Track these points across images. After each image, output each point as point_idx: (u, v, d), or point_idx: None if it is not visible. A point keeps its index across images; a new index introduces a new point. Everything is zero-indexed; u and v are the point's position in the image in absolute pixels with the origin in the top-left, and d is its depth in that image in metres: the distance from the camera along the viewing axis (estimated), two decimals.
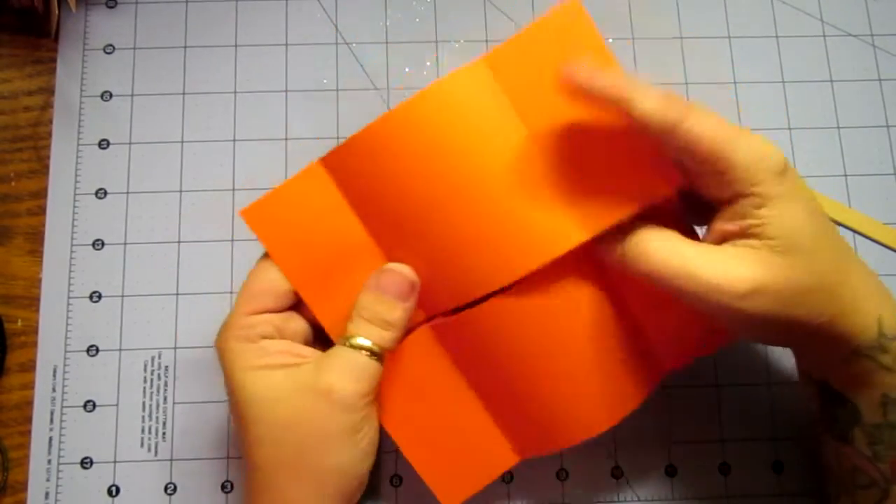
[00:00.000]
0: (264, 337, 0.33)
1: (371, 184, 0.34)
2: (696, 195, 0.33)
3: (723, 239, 0.32)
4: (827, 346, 0.32)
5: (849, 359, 0.32)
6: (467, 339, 0.35)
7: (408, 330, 0.35)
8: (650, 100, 0.30)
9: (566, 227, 0.33)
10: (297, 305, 0.35)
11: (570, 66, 0.31)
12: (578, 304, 0.35)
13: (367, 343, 0.33)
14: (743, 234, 0.31)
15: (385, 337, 0.34)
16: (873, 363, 0.32)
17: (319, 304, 0.35)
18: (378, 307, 0.34)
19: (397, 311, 0.34)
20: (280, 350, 0.33)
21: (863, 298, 0.32)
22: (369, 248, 0.35)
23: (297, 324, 0.35)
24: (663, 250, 0.31)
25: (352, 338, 0.33)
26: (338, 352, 0.33)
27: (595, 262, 0.34)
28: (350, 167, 0.34)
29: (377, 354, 0.33)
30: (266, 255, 0.35)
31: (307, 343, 0.36)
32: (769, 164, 0.30)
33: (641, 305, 0.36)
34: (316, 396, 0.32)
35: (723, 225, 0.32)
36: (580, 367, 0.35)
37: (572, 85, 0.31)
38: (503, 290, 0.34)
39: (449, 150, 0.33)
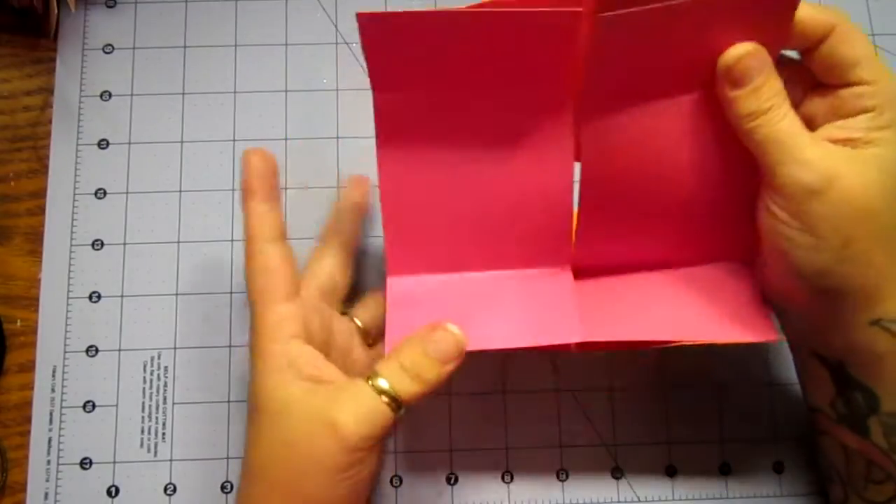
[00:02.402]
0: (293, 336, 0.32)
1: None
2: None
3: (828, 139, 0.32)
4: (855, 308, 0.32)
5: (871, 332, 0.32)
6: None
7: None
8: (807, 7, 0.31)
9: None
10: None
11: None
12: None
13: (389, 389, 0.31)
14: (845, 143, 0.32)
15: (413, 391, 0.32)
16: (894, 341, 0.32)
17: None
18: (419, 359, 0.32)
19: (435, 371, 0.32)
20: (307, 361, 0.32)
21: None
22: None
23: (343, 325, 0.35)
24: (784, 110, 0.32)
25: (378, 378, 0.32)
26: (358, 389, 0.32)
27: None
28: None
29: (396, 404, 0.31)
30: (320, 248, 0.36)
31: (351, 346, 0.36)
32: None
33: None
34: (322, 427, 0.31)
35: (829, 131, 0.32)
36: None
37: None
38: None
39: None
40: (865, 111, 0.32)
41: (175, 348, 0.42)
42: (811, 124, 0.33)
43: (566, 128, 0.33)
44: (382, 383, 0.31)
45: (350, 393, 0.31)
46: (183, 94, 0.45)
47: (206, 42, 0.46)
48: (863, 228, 0.31)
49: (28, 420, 0.41)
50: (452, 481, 0.41)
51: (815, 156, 0.31)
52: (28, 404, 0.41)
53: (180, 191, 0.44)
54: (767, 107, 0.31)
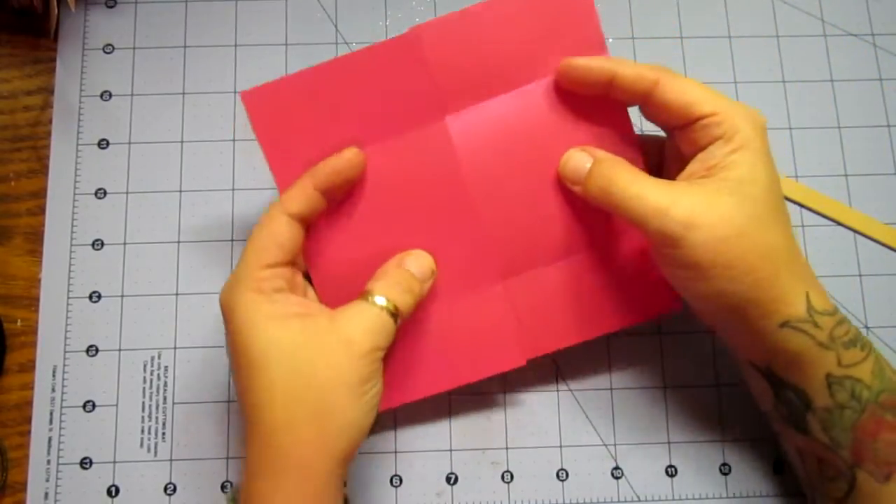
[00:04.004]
0: (276, 290, 0.34)
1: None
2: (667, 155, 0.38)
3: (687, 179, 0.35)
4: (761, 316, 0.33)
5: (784, 333, 0.33)
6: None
7: None
8: (631, 66, 0.35)
9: None
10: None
11: (566, 62, 0.36)
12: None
13: (386, 303, 0.34)
14: (705, 174, 0.34)
15: (408, 301, 0.35)
16: (808, 339, 0.33)
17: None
18: (407, 276, 0.36)
19: (419, 287, 0.36)
20: (294, 302, 0.34)
21: (795, 272, 0.33)
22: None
23: (298, 278, 0.37)
24: (624, 176, 0.35)
25: (373, 295, 0.35)
26: (359, 306, 0.34)
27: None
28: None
29: (394, 315, 0.34)
30: (271, 208, 0.35)
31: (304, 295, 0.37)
32: (755, 117, 0.34)
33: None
34: (335, 346, 0.33)
35: (691, 167, 0.35)
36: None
37: (569, 72, 0.36)
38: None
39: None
40: (717, 139, 0.34)
41: (175, 348, 0.42)
42: (681, 159, 0.36)
43: (445, 132, 0.38)
44: (380, 300, 0.35)
45: (352, 312, 0.34)
46: (183, 93, 0.45)
47: (206, 42, 0.46)
48: (737, 249, 0.32)
49: (28, 420, 0.41)
50: (452, 481, 0.41)
51: (670, 205, 0.33)
52: (28, 404, 0.41)
53: (180, 191, 0.44)
54: (607, 183, 0.35)
